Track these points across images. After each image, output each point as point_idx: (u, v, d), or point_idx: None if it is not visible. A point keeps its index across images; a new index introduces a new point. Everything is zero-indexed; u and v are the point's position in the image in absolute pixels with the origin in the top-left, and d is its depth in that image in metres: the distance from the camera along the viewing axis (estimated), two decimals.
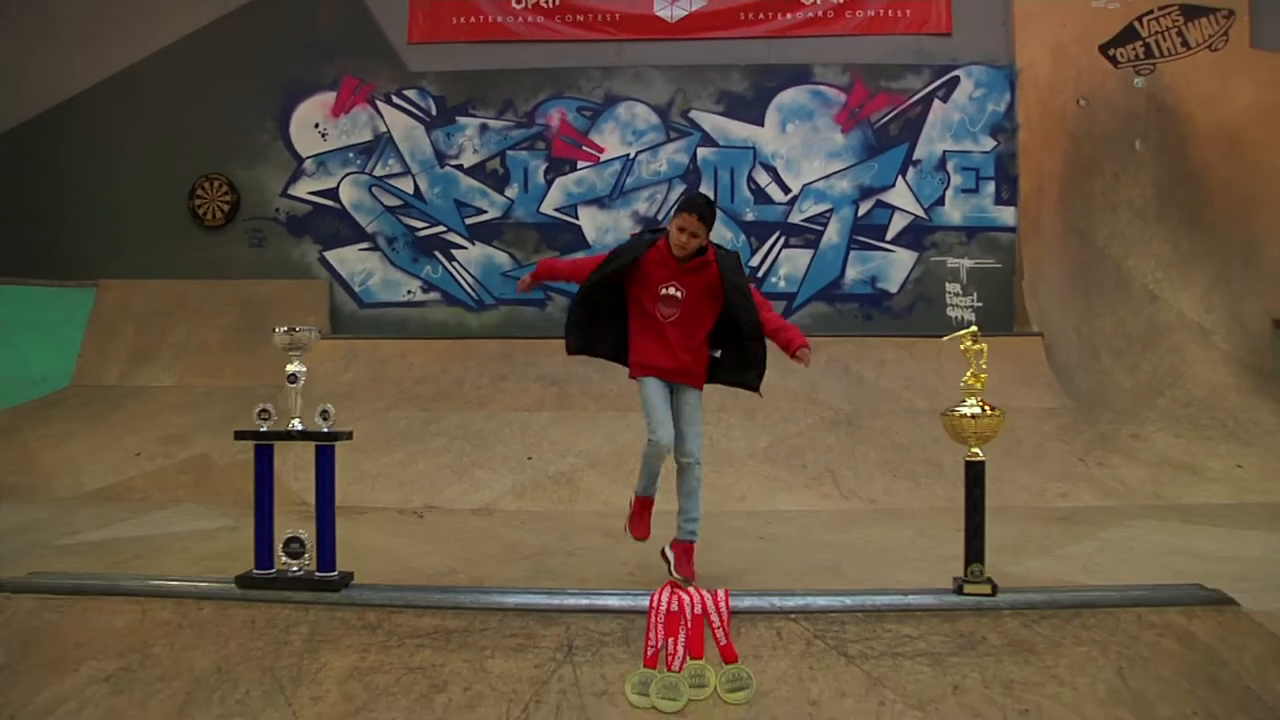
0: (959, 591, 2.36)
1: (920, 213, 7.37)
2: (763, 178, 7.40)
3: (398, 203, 7.66)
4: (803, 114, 7.41)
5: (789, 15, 7.41)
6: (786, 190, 7.39)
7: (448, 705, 2.29)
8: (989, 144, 7.38)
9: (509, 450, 6.01)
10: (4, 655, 2.44)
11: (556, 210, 7.53)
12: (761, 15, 7.42)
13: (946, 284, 7.35)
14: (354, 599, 2.56)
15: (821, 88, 7.43)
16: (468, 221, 7.57)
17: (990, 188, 7.37)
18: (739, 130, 7.43)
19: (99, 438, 6.67)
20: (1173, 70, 7.33)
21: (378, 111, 7.75)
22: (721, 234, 7.37)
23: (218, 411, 6.89)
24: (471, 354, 6.86)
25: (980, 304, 7.32)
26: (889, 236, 7.38)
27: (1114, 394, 6.78)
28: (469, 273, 7.50)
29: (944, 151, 7.37)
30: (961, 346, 2.65)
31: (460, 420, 6.36)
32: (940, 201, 7.37)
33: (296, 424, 2.81)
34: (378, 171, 7.71)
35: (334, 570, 2.68)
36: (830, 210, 7.38)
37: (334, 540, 2.70)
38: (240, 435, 2.82)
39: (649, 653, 2.26)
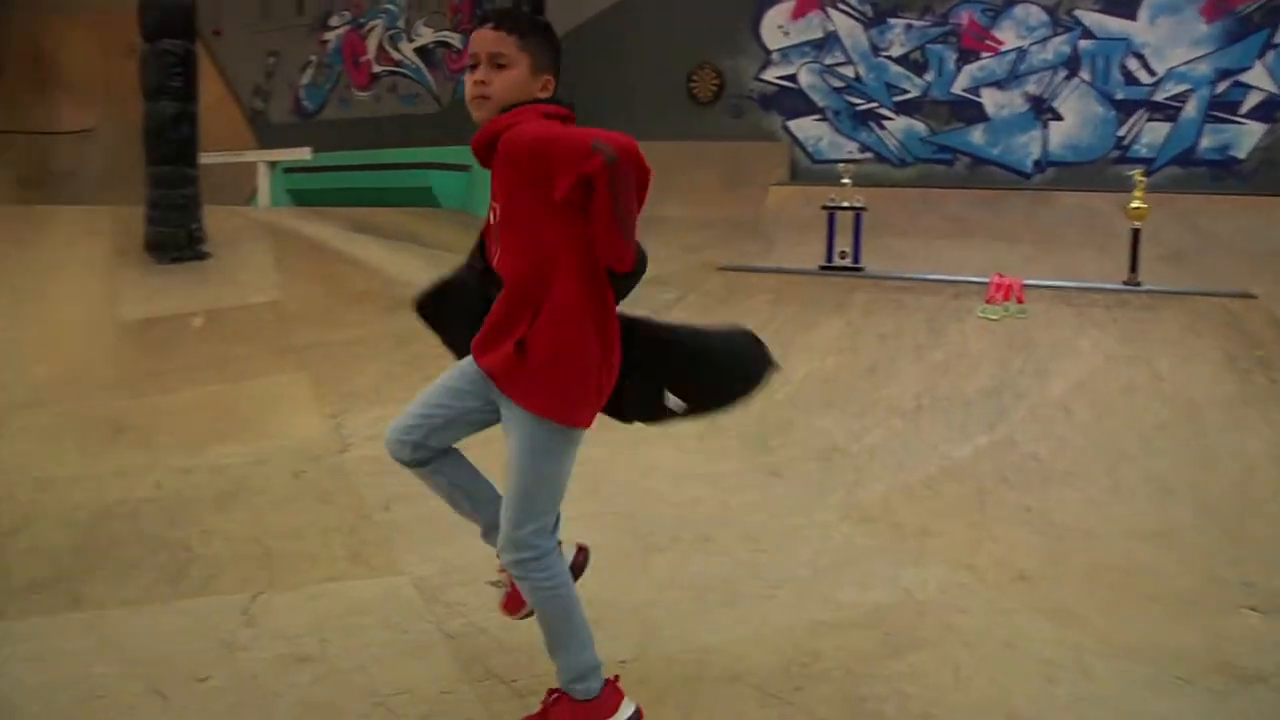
0: None
1: (1276, 90, 10.76)
2: (1132, 64, 11.16)
3: (841, 85, 12.36)
4: (1171, 8, 11.01)
5: None
6: (1152, 74, 11.10)
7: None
8: None
9: (924, 264, 10.63)
10: (726, 290, 7.37)
11: (963, 90, 11.80)
12: None
13: None
14: (871, 274, 7.24)
15: None
16: (894, 99, 12.10)
17: None
18: (1114, 24, 11.20)
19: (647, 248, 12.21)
20: None
21: (827, 15, 12.41)
22: (1093, 110, 11.27)
23: (716, 232, 12.12)
24: (895, 198, 11.39)
25: None
26: (1242, 111, 10.87)
27: None
28: (895, 138, 12.09)
29: None
30: (1137, 178, 6.72)
31: (887, 243, 11.02)
32: None
33: (846, 203, 7.45)
34: (826, 61, 12.44)
35: (860, 264, 7.34)
36: (1190, 90, 11.00)
37: (860, 252, 7.33)
38: (825, 207, 7.46)
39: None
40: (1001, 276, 6.08)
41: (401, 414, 2.59)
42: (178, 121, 8.66)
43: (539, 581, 2.44)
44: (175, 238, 8.58)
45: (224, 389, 6.58)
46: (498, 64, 2.36)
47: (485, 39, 2.38)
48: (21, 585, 3.77)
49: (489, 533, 2.67)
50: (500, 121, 2.36)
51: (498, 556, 2.55)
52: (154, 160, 8.68)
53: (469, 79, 2.39)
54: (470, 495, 2.67)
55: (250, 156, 13.70)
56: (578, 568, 2.75)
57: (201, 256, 8.69)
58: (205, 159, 9.63)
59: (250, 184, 13.30)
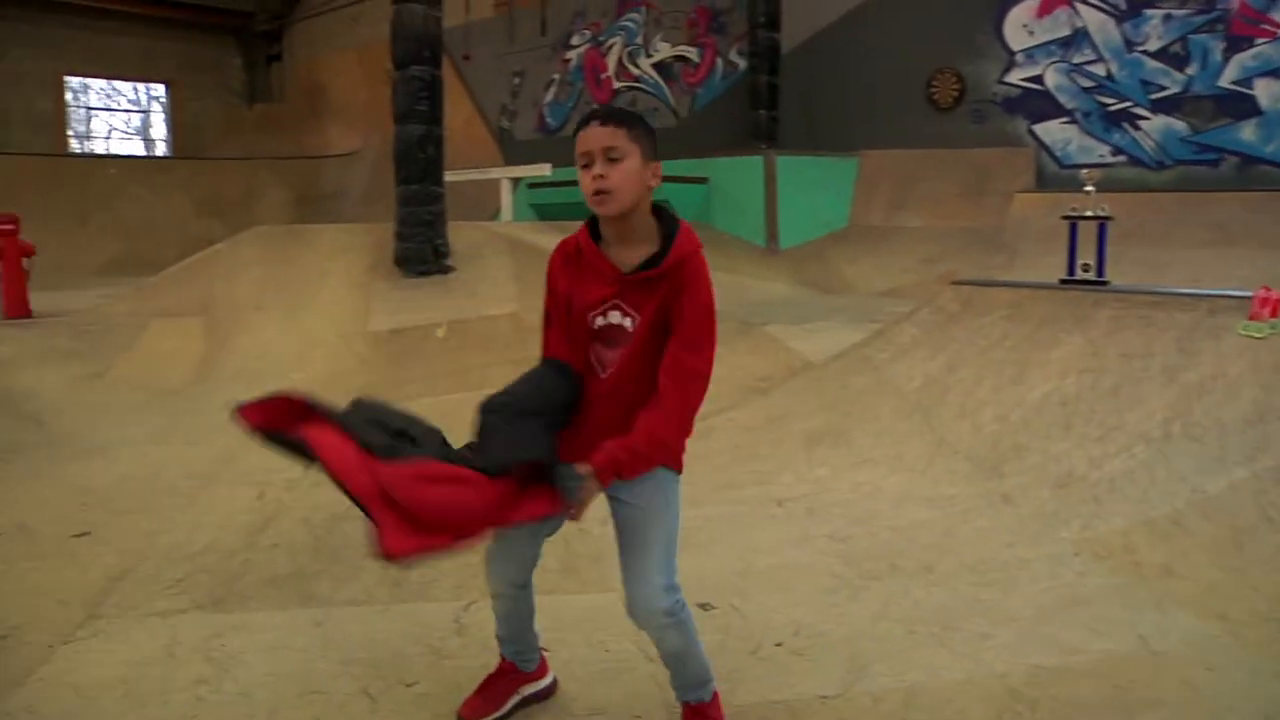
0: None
1: None
2: None
3: (1092, 84, 11.62)
4: None
5: None
6: None
7: None
8: None
9: (1180, 276, 9.79)
10: (960, 305, 7.06)
11: (1232, 83, 10.83)
12: None
13: None
14: (1116, 288, 6.66)
15: None
16: (1151, 97, 11.27)
17: None
18: None
19: (877, 259, 11.91)
20: None
21: (1075, 10, 11.70)
22: None
23: (955, 243, 11.69)
24: (1150, 204, 10.58)
25: None
26: None
27: None
28: (1151, 139, 11.25)
29: None
30: None
31: (1139, 253, 10.25)
32: None
33: (1089, 211, 6.92)
34: (1075, 60, 11.72)
35: (1104, 277, 6.78)
36: None
37: (1104, 265, 6.79)
38: (1065, 217, 6.96)
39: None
40: (1269, 290, 5.49)
41: (502, 567, 2.73)
42: (424, 142, 9.13)
43: (687, 615, 2.54)
44: (421, 252, 9.04)
45: (462, 398, 6.80)
46: (611, 158, 2.36)
47: (597, 136, 2.38)
48: (263, 579, 4.04)
49: (519, 654, 2.87)
50: (686, 247, 2.44)
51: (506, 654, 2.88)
52: (403, 179, 9.19)
53: (585, 176, 2.39)
54: (531, 618, 2.87)
55: (494, 173, 14.26)
56: (549, 693, 2.95)
57: (445, 270, 9.12)
58: (452, 176, 10.11)
59: (496, 200, 13.86)
